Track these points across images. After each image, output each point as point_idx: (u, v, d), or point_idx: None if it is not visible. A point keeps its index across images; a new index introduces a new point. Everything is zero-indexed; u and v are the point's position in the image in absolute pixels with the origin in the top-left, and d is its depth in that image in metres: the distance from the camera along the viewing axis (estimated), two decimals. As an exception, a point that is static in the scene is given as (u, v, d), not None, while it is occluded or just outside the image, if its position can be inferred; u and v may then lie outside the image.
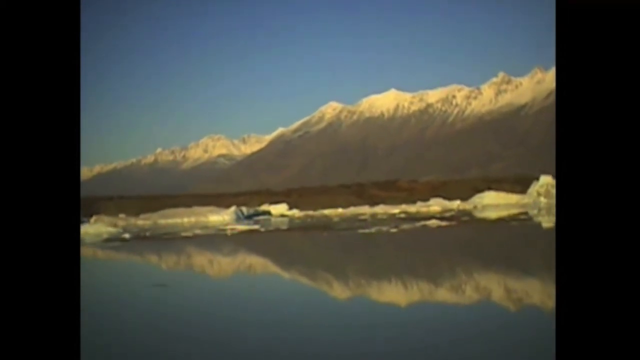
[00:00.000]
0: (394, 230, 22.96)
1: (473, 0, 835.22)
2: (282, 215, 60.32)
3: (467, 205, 58.68)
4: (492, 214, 39.14)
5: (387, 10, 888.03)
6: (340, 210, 64.46)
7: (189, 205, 59.67)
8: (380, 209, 59.19)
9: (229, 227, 31.46)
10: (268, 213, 60.72)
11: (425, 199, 66.62)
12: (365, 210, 60.38)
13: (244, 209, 54.30)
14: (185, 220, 48.82)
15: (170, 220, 48.71)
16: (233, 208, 51.29)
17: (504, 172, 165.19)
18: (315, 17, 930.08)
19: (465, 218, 33.18)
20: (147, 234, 29.94)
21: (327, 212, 63.14)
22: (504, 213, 38.39)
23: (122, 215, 59.68)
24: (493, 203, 58.18)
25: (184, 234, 27.19)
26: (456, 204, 60.23)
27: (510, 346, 5.14)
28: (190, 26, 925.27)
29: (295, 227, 33.82)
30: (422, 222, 26.65)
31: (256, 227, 31.32)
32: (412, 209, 56.47)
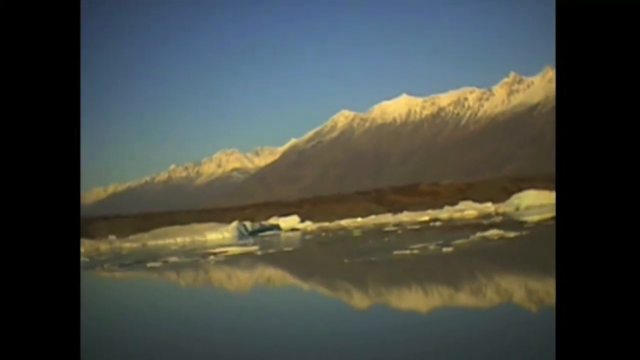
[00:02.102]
0: (448, 249, 15.47)
1: (481, 2, 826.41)
2: (293, 229, 52.64)
3: (506, 208, 50.74)
4: (537, 217, 32.02)
5: (394, 15, 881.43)
6: (359, 220, 56.63)
7: (188, 222, 52.98)
8: (405, 216, 51.52)
9: (216, 250, 24.07)
10: (277, 227, 52.96)
11: (452, 203, 59.24)
12: (388, 219, 52.65)
13: (248, 224, 46.74)
14: (179, 240, 41.62)
15: (160, 241, 41.50)
16: (234, 224, 43.93)
17: (521, 172, 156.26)
18: (322, 27, 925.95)
19: (528, 225, 25.43)
20: (105, 266, 22.54)
21: (344, 222, 55.29)
22: (550, 214, 31.12)
23: (112, 237, 53.21)
24: (536, 203, 49.82)
25: (149, 264, 19.86)
26: (491, 206, 52.54)
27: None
28: (199, 40, 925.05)
29: (307, 247, 26.51)
30: (479, 234, 19.18)
31: (254, 248, 23.93)
32: (443, 214, 48.82)
